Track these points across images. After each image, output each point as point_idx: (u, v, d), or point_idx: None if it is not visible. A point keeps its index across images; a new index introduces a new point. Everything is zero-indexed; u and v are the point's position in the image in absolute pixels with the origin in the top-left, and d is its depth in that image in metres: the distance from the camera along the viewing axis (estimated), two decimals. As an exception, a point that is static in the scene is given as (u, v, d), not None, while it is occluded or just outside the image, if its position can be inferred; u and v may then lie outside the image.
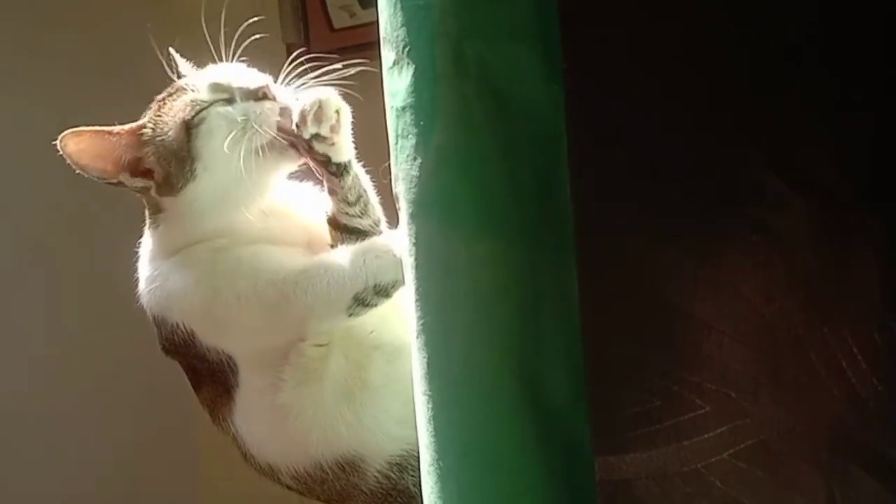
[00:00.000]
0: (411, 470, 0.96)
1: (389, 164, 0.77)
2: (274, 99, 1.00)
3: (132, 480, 2.26)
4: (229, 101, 1.00)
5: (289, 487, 1.05)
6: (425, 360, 0.73)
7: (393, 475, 0.99)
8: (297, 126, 0.97)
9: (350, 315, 0.97)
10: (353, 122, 1.00)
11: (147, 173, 1.03)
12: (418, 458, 0.91)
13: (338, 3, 2.34)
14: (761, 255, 0.63)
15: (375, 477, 0.99)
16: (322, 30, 2.34)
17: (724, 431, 0.64)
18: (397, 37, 0.73)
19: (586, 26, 0.67)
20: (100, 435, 2.24)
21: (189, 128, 1.00)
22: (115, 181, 1.03)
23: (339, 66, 1.01)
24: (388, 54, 0.74)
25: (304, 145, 0.98)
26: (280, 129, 0.99)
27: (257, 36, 1.06)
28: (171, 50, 1.12)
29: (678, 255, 0.65)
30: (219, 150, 0.98)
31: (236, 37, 1.04)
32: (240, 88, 1.01)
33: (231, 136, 0.97)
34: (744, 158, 0.64)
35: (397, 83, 0.73)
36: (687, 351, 0.65)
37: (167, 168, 1.01)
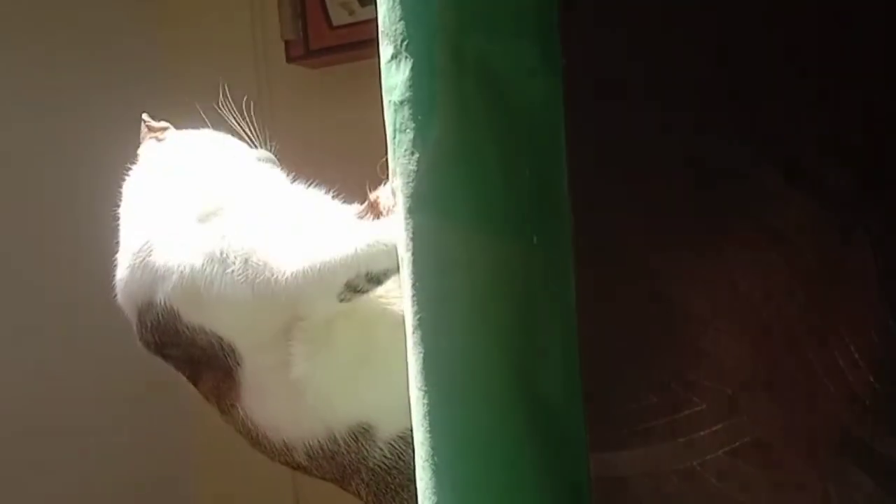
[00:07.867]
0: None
1: (386, 160, 0.76)
2: None
3: (129, 482, 2.25)
4: None
5: (299, 466, 1.03)
6: (421, 355, 0.73)
7: (397, 447, 0.97)
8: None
9: (341, 300, 0.94)
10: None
11: None
12: None
13: (337, 0, 2.33)
14: (760, 252, 0.63)
15: (381, 450, 0.97)
16: (321, 27, 2.33)
17: (719, 429, 0.64)
18: (396, 30, 0.72)
19: (586, 21, 0.67)
20: (98, 435, 2.24)
21: None
22: None
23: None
24: (386, 48, 0.74)
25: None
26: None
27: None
28: (145, 116, 1.12)
29: (676, 251, 0.65)
30: None
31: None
32: None
33: None
34: (743, 155, 0.64)
35: (395, 77, 0.73)
36: (684, 348, 0.65)
37: None
